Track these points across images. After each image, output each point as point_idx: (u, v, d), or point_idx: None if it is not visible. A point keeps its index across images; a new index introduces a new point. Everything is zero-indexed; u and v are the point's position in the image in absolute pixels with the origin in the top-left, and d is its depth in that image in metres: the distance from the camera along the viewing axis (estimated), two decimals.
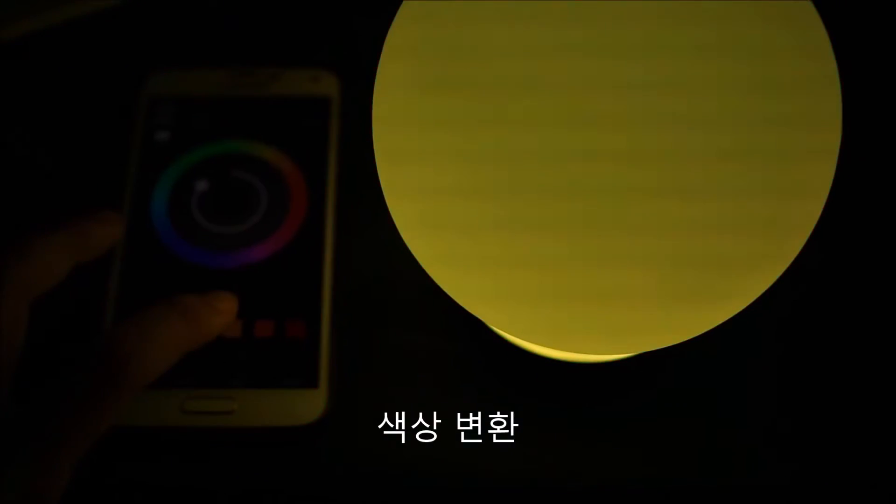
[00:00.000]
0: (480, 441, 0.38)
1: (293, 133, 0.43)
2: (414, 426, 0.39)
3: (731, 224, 0.28)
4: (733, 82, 0.27)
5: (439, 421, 0.39)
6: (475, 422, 0.39)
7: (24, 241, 0.33)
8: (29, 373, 0.33)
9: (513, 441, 0.38)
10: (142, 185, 0.42)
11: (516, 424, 0.39)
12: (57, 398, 0.30)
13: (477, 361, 0.40)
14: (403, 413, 0.39)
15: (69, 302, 0.33)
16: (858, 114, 0.33)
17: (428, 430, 0.39)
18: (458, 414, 0.39)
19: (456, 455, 0.38)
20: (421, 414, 0.39)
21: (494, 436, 0.39)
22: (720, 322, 0.31)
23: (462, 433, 0.39)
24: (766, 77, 0.27)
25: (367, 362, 0.40)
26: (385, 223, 0.33)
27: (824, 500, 0.38)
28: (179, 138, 0.43)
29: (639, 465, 0.38)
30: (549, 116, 0.27)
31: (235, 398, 0.37)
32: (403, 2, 0.31)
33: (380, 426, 0.38)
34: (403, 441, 0.38)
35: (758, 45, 0.27)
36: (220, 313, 0.36)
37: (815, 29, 0.29)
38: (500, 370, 0.40)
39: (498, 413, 0.39)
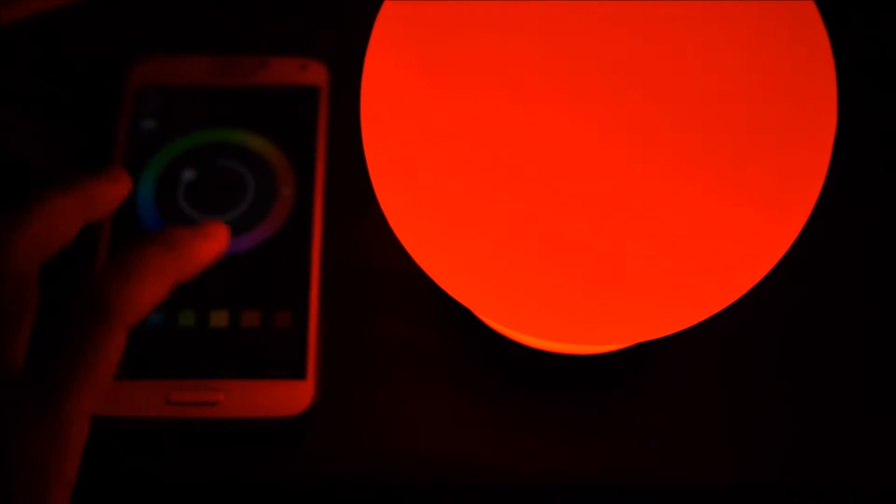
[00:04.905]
0: (469, 432, 0.38)
1: (281, 122, 0.43)
2: (400, 417, 0.38)
3: (727, 211, 0.27)
4: (732, 77, 0.27)
5: (427, 412, 0.39)
6: (463, 413, 0.39)
7: (32, 201, 0.31)
8: None
9: (501, 433, 0.38)
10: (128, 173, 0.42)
11: (505, 416, 0.39)
12: (50, 351, 0.29)
13: (466, 352, 0.40)
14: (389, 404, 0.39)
15: (54, 291, 0.33)
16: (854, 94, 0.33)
17: (412, 423, 0.38)
18: (446, 405, 0.39)
19: (443, 447, 0.38)
20: (408, 405, 0.39)
21: (484, 427, 0.38)
22: (716, 311, 0.31)
23: (450, 424, 0.38)
24: (764, 72, 0.27)
25: (355, 353, 0.39)
26: (374, 213, 0.33)
27: (823, 498, 0.38)
28: (166, 127, 0.43)
29: (631, 459, 0.38)
30: (541, 98, 0.26)
31: (221, 389, 0.37)
32: None
33: (367, 418, 0.38)
34: (390, 433, 0.38)
35: (757, 41, 0.27)
36: (209, 238, 0.34)
37: (814, 28, 0.29)
38: (489, 361, 0.40)
39: (486, 404, 0.39)
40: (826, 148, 0.29)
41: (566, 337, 0.32)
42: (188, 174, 0.42)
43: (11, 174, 0.43)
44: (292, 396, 0.37)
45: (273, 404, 0.37)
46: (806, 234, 0.31)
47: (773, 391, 0.39)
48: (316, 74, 0.44)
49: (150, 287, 0.31)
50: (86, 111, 0.44)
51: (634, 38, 0.26)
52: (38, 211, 0.31)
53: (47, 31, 0.46)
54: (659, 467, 0.38)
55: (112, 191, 0.33)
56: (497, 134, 0.27)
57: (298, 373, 0.38)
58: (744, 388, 0.39)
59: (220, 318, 0.39)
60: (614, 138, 0.26)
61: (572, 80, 0.26)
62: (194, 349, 0.38)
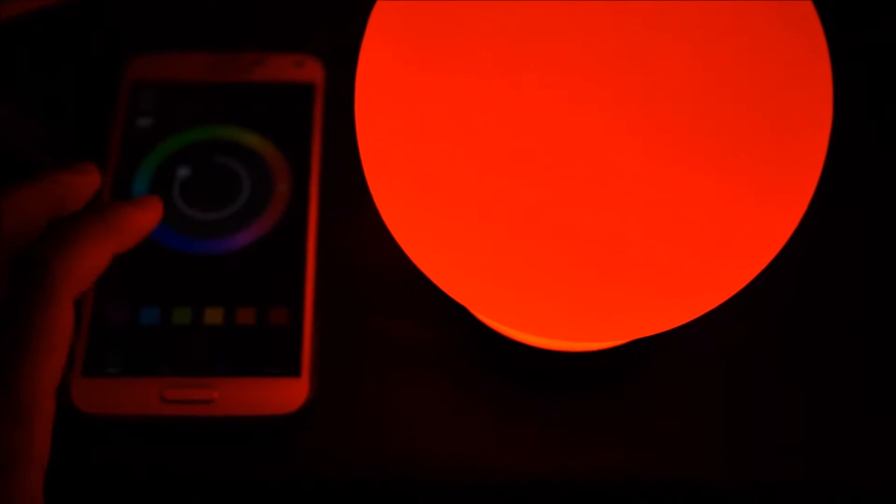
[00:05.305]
0: (466, 430, 0.38)
1: (277, 119, 0.43)
2: (396, 414, 0.38)
3: (724, 203, 0.27)
4: (727, 73, 0.27)
5: (423, 410, 0.39)
6: (460, 411, 0.39)
7: (69, 234, 0.31)
8: None
9: (497, 431, 0.38)
10: (123, 171, 0.42)
11: (502, 414, 0.39)
12: None
13: (462, 350, 0.40)
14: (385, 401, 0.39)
15: None
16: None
17: (409, 421, 0.38)
18: (443, 402, 0.39)
19: (439, 445, 0.38)
20: (404, 402, 0.39)
21: (481, 425, 0.38)
22: (714, 307, 0.31)
23: (447, 422, 0.38)
24: (760, 69, 0.27)
25: (351, 351, 0.39)
26: (370, 210, 0.33)
27: (819, 498, 0.38)
28: (161, 124, 0.43)
29: (629, 457, 0.38)
30: (537, 97, 0.26)
31: (216, 387, 0.37)
32: None
33: (363, 415, 0.38)
34: (386, 430, 0.38)
35: (755, 39, 0.27)
36: (143, 208, 0.34)
37: (811, 26, 0.29)
38: (486, 359, 0.40)
39: (484, 402, 0.39)
40: (822, 141, 0.29)
41: (563, 334, 0.32)
42: (183, 171, 0.42)
43: (8, 171, 0.43)
44: (287, 394, 0.37)
45: (268, 402, 0.37)
46: (804, 234, 0.31)
47: (772, 389, 0.39)
48: (312, 71, 0.44)
49: (88, 256, 0.31)
50: (83, 108, 0.44)
51: (633, 34, 0.26)
52: (4, 204, 0.31)
53: (45, 29, 0.46)
54: (657, 465, 0.38)
55: (79, 183, 0.33)
56: (492, 131, 0.27)
57: (293, 370, 0.37)
58: (742, 386, 0.39)
59: (214, 316, 0.38)
60: (610, 134, 0.26)
61: (569, 79, 0.26)
62: (189, 347, 0.38)
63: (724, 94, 0.27)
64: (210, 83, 0.44)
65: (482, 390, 0.39)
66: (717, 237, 0.28)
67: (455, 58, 0.27)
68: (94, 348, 0.38)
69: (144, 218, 0.34)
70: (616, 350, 0.39)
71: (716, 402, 0.39)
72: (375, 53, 0.30)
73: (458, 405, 0.39)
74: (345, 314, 0.40)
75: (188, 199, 0.41)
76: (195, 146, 0.42)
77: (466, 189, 0.28)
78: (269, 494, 0.37)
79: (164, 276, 0.39)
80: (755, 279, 0.31)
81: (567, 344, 0.38)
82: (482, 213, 0.28)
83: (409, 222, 0.31)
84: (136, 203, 0.34)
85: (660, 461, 0.38)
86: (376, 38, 0.30)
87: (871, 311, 0.41)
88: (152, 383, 0.37)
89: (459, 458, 0.38)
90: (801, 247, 0.33)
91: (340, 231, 0.41)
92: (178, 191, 0.41)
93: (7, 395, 0.28)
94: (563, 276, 0.29)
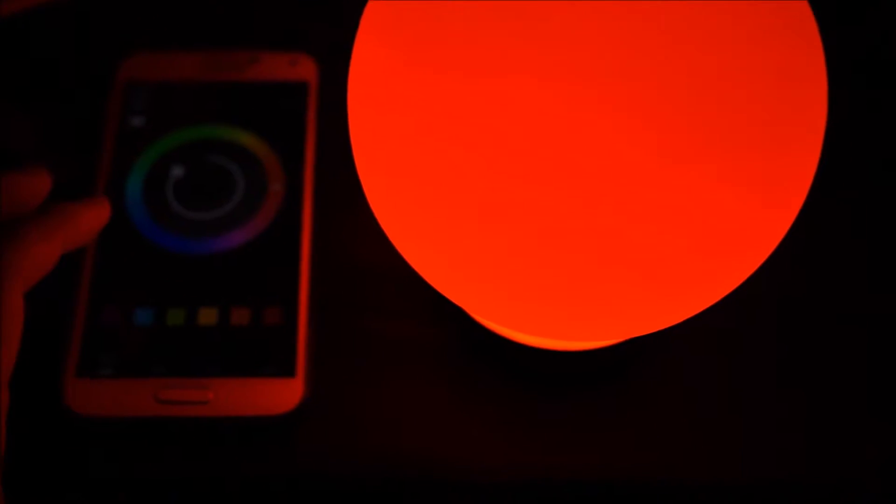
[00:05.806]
0: (462, 430, 0.38)
1: (271, 118, 0.43)
2: (391, 414, 0.38)
3: (720, 200, 0.27)
4: (723, 72, 0.27)
5: (419, 409, 0.38)
6: (456, 410, 0.39)
7: (17, 229, 0.32)
8: None
9: (496, 430, 0.38)
10: (116, 170, 0.41)
11: (498, 413, 0.38)
12: None
13: (458, 349, 0.40)
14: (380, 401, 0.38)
15: (42, 289, 0.33)
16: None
17: (406, 421, 0.38)
18: (439, 402, 0.39)
19: (436, 445, 0.38)
20: (399, 402, 0.38)
21: (477, 425, 0.38)
22: (710, 304, 0.31)
23: (443, 422, 0.38)
24: (756, 68, 0.27)
25: (346, 351, 0.39)
26: (364, 209, 0.33)
27: (819, 498, 0.38)
28: (155, 123, 0.43)
29: (626, 457, 0.38)
30: (532, 94, 0.26)
31: (211, 387, 0.37)
32: None
33: (358, 415, 0.38)
34: (381, 431, 0.38)
35: (752, 38, 0.27)
36: (91, 206, 0.35)
37: (806, 25, 0.29)
38: (482, 358, 0.39)
39: (480, 401, 0.39)
40: (817, 137, 0.29)
41: (560, 334, 0.32)
42: (177, 171, 0.42)
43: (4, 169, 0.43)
44: (282, 394, 0.37)
45: (263, 402, 0.37)
46: (804, 232, 0.31)
47: (771, 389, 0.39)
48: (305, 70, 0.44)
49: (36, 251, 0.31)
50: (78, 107, 0.44)
51: (629, 34, 0.26)
52: (22, 239, 0.31)
53: (41, 28, 0.46)
54: (658, 465, 0.37)
55: (29, 184, 0.34)
56: (486, 130, 0.27)
57: (288, 370, 0.37)
58: (742, 386, 0.39)
59: (208, 316, 0.38)
60: (604, 133, 0.26)
61: (563, 78, 0.26)
62: (183, 347, 0.38)
63: (720, 91, 0.26)
64: (204, 82, 0.44)
65: (480, 389, 0.39)
66: (714, 234, 0.28)
67: (448, 56, 0.27)
68: (88, 349, 0.38)
69: (92, 215, 0.34)
70: (614, 349, 0.39)
71: (716, 402, 0.39)
72: (368, 52, 0.30)
73: (456, 404, 0.39)
74: (340, 314, 0.40)
75: (182, 199, 0.41)
76: (189, 145, 0.42)
77: (460, 188, 0.28)
78: (264, 495, 0.37)
79: (158, 276, 0.39)
80: (754, 277, 0.31)
81: (565, 343, 0.38)
82: (476, 213, 0.28)
83: (403, 221, 0.31)
84: (84, 202, 0.34)
85: (660, 461, 0.38)
86: (369, 37, 0.30)
87: (871, 309, 0.41)
88: (147, 384, 0.37)
89: (457, 458, 0.37)
90: (800, 244, 0.33)
91: (334, 230, 0.41)
92: (171, 190, 0.41)
93: None
94: (560, 275, 0.29)
